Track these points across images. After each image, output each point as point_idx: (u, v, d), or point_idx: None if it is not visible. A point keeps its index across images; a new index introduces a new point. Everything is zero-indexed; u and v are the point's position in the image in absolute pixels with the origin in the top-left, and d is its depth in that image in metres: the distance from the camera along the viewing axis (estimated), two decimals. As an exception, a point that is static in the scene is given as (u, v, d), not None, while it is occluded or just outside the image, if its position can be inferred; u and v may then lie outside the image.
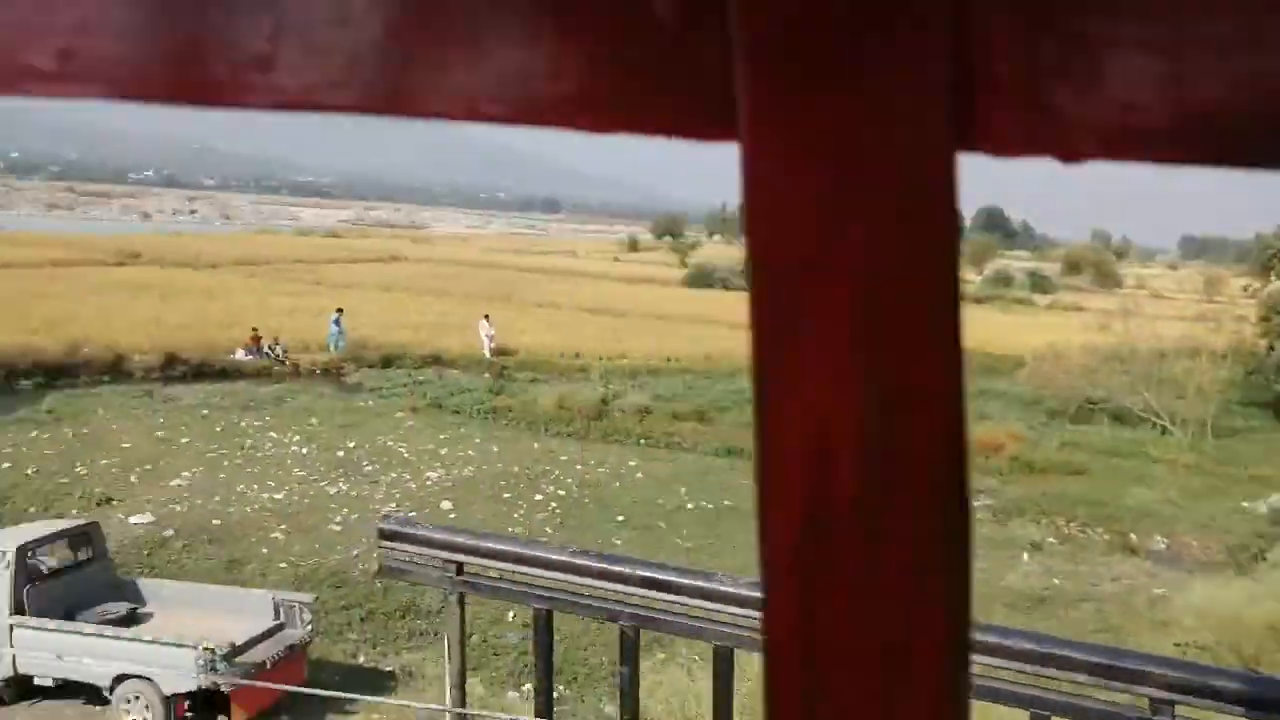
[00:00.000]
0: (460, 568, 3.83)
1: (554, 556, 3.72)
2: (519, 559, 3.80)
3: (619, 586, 3.51)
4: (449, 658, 4.12)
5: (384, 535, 4.12)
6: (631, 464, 24.09)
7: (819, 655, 0.49)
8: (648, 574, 3.48)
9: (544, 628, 3.70)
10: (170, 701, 12.12)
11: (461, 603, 3.93)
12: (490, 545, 3.94)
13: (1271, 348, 33.44)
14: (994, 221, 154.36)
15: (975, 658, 0.67)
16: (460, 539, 4.01)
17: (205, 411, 26.65)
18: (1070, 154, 0.45)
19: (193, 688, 12.00)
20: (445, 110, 0.53)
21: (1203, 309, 44.41)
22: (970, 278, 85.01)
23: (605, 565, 3.57)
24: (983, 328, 37.58)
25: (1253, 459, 26.82)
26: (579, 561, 3.67)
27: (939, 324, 0.47)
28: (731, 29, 0.46)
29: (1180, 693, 2.74)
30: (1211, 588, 16.77)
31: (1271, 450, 27.65)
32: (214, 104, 0.56)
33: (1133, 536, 20.51)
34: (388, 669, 13.97)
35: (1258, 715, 2.72)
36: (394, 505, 19.68)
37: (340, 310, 35.04)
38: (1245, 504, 22.87)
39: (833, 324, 0.47)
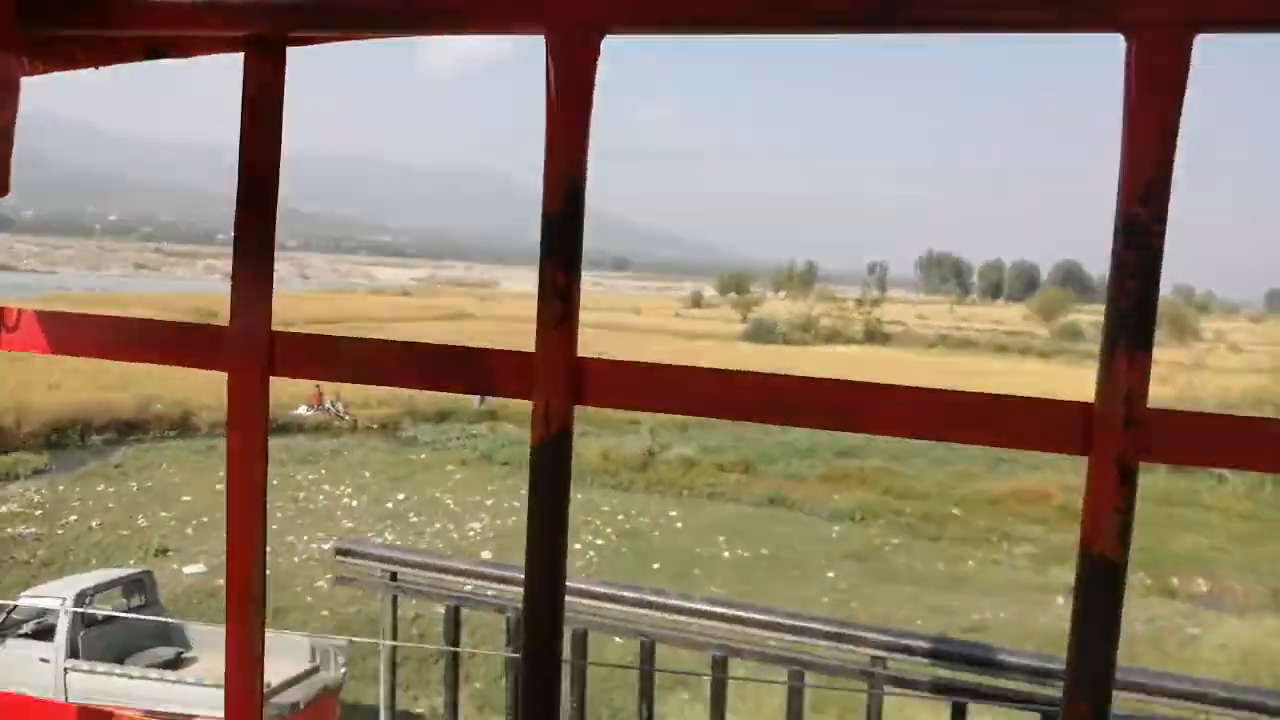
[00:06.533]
0: (394, 575, 4.38)
1: (463, 566, 4.28)
2: (439, 569, 4.34)
3: (514, 588, 4.00)
4: (383, 649, 4.62)
5: (339, 552, 4.70)
6: (672, 514, 24.36)
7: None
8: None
9: (452, 621, 4.17)
10: (210, 740, 12.63)
11: (395, 602, 4.47)
12: (416, 558, 4.46)
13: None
14: (1072, 276, 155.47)
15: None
16: (394, 554, 4.55)
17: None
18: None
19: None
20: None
21: (1280, 361, 43.56)
22: (1039, 331, 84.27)
23: (504, 572, 4.07)
24: (1047, 381, 37.47)
25: (1314, 506, 26.29)
26: (485, 570, 4.21)
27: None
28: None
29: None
30: (1242, 626, 16.58)
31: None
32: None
33: (1174, 580, 20.19)
34: (419, 711, 14.35)
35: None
36: (437, 554, 20.12)
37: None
38: (1299, 549, 22.45)
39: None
